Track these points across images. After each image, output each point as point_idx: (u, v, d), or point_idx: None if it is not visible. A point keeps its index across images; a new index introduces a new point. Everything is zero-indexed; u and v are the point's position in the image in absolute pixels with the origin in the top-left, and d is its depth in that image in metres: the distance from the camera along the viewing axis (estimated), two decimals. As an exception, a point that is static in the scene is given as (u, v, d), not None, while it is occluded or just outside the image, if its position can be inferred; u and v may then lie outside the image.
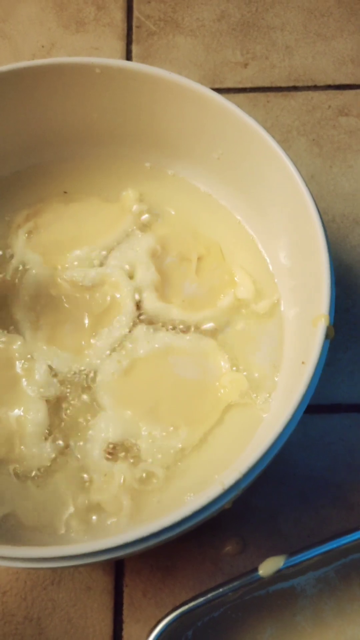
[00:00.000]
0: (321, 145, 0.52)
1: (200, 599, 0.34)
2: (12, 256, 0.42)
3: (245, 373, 0.39)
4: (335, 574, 0.37)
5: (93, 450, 0.37)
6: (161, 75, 0.38)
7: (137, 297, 0.41)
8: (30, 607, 0.39)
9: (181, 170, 0.45)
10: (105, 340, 0.40)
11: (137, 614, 0.39)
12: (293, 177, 0.36)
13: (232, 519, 0.40)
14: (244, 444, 0.37)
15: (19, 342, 0.39)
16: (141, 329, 0.40)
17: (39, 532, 0.35)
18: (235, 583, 0.35)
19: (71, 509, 0.36)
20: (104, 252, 0.42)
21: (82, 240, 0.43)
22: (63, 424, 0.38)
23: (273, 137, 0.37)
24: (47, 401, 0.38)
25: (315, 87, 0.55)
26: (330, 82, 0.55)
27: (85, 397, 0.39)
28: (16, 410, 0.38)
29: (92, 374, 0.39)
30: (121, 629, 0.39)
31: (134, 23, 0.57)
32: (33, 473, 0.37)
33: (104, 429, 0.37)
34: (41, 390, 0.38)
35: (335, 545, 0.35)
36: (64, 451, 0.37)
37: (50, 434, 0.37)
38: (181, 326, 0.41)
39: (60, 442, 0.37)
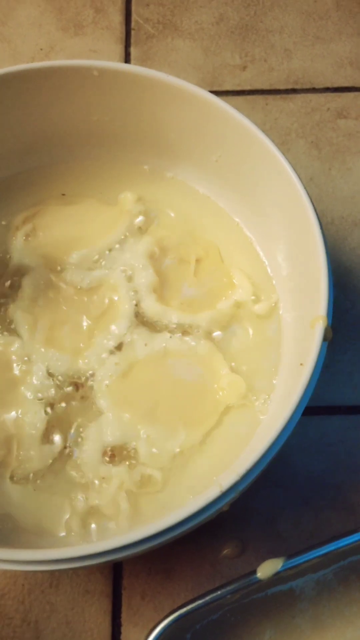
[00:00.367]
0: (320, 148, 0.52)
1: (199, 602, 0.34)
2: (10, 258, 0.42)
3: (243, 375, 0.39)
4: (334, 576, 0.37)
5: (91, 453, 0.37)
6: (160, 78, 0.38)
7: (135, 299, 0.41)
8: (28, 610, 0.39)
9: (180, 172, 0.45)
10: (104, 342, 0.40)
11: (136, 617, 0.39)
12: (291, 179, 0.36)
13: (230, 521, 0.40)
14: (243, 446, 0.37)
15: (17, 344, 0.39)
16: (139, 331, 0.40)
17: (37, 535, 0.35)
18: (233, 585, 0.35)
19: (69, 512, 0.36)
20: (102, 254, 0.42)
21: (81, 243, 0.43)
22: (61, 426, 0.38)
23: (272, 139, 0.37)
24: (45, 404, 0.38)
25: (313, 90, 0.55)
26: (328, 85, 0.55)
27: (83, 399, 0.39)
28: (13, 413, 0.37)
29: (90, 377, 0.39)
30: (119, 632, 0.39)
31: (133, 26, 0.57)
32: (31, 476, 0.37)
33: (102, 432, 0.37)
34: (39, 392, 0.38)
35: (334, 548, 0.35)
36: (62, 454, 0.37)
37: (48, 436, 0.37)
38: (180, 328, 0.41)
39: (58, 444, 0.37)
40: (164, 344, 0.40)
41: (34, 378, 0.38)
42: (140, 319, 0.41)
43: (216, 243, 0.44)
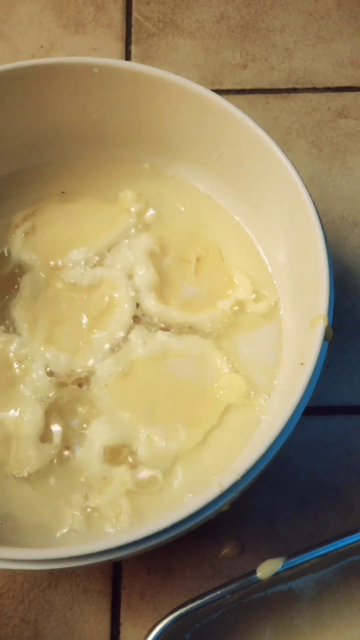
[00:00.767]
0: (320, 147, 0.52)
1: (198, 602, 0.34)
2: (9, 256, 0.42)
3: (243, 374, 0.39)
4: (334, 577, 0.37)
5: (91, 452, 0.37)
6: (160, 76, 0.38)
7: (135, 298, 0.41)
8: (27, 610, 0.39)
9: (180, 171, 0.45)
10: (103, 341, 0.40)
11: (135, 616, 0.39)
12: (292, 178, 0.36)
13: (230, 521, 0.40)
14: (243, 446, 0.37)
15: (16, 343, 0.39)
16: (139, 330, 0.40)
17: (37, 534, 0.35)
18: (233, 585, 0.35)
19: (69, 512, 0.36)
20: (102, 253, 0.42)
21: (81, 241, 0.42)
22: (60, 425, 0.38)
23: (272, 138, 0.37)
24: (44, 403, 0.38)
25: (314, 89, 0.55)
26: (329, 84, 0.55)
27: (83, 398, 0.38)
28: (12, 412, 0.37)
29: (89, 376, 0.39)
30: (118, 632, 0.38)
31: (133, 24, 0.57)
32: (30, 475, 0.37)
33: (101, 432, 0.37)
34: (38, 391, 0.38)
35: (333, 548, 0.35)
36: (62, 453, 0.37)
37: (47, 435, 0.37)
38: (180, 327, 0.40)
39: (58, 444, 0.37)
40: (163, 343, 0.39)
41: (33, 377, 0.38)
42: (140, 318, 0.41)
43: (216, 242, 0.43)
